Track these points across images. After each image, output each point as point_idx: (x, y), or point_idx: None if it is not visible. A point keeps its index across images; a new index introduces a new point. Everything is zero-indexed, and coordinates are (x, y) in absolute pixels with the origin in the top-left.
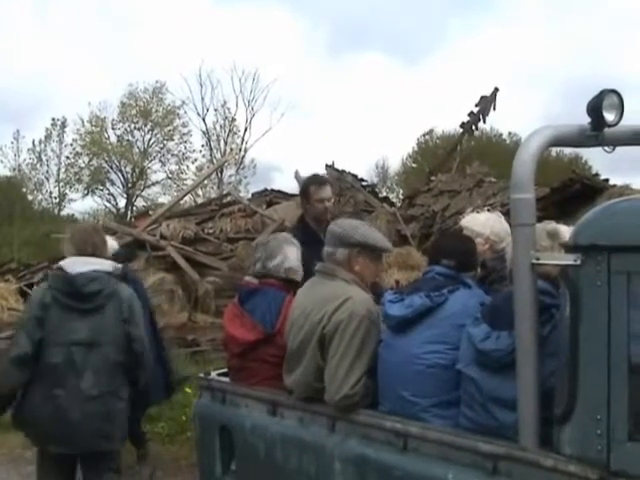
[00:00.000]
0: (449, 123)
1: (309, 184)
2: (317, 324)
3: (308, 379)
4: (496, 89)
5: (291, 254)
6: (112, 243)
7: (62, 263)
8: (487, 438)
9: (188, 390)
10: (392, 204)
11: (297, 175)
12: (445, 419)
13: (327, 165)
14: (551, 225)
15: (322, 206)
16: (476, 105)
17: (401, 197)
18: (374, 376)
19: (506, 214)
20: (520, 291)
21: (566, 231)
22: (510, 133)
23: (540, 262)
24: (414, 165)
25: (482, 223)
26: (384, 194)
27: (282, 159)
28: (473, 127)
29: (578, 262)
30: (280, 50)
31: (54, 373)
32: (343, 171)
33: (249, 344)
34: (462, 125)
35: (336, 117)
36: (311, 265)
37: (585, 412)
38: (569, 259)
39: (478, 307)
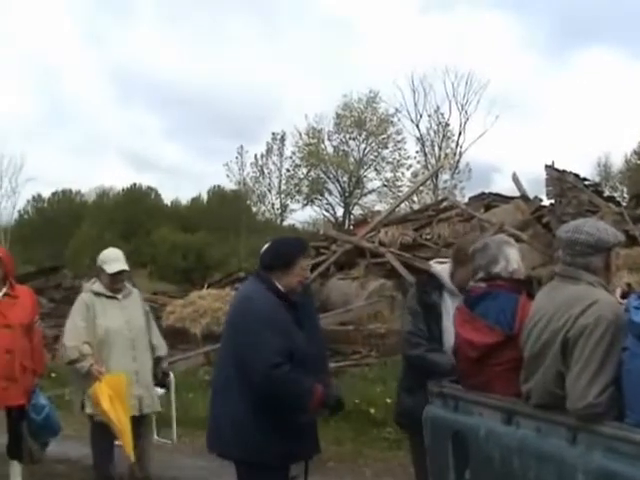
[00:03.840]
0: None
1: None
2: (560, 328)
3: (548, 385)
4: None
5: (512, 256)
6: None
7: None
8: None
9: None
10: (618, 203)
11: (515, 177)
12: None
13: (547, 165)
14: None
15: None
16: None
17: (626, 196)
18: (618, 386)
19: None
20: None
21: None
22: None
23: None
24: (639, 162)
25: None
26: (607, 193)
27: (501, 160)
28: None
29: None
30: (493, 51)
31: None
32: (564, 171)
33: (488, 347)
34: None
35: (555, 115)
36: None
37: None
38: None
39: None
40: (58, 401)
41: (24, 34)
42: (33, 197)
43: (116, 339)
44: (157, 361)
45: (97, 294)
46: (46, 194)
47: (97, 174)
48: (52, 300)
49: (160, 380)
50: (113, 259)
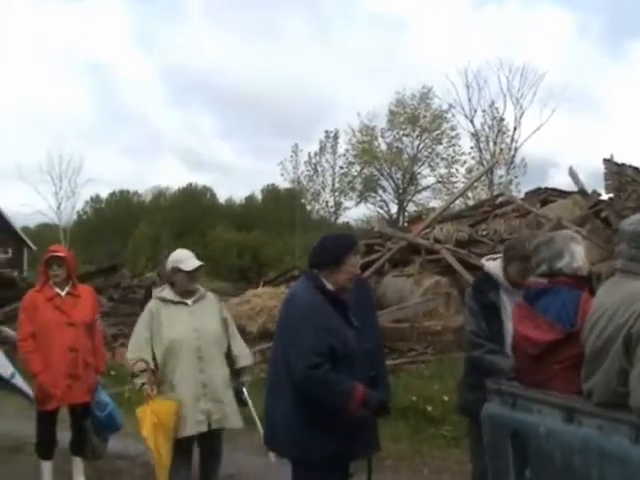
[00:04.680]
0: None
1: None
2: (623, 324)
3: (610, 383)
4: None
5: (578, 252)
6: None
7: None
8: None
9: None
10: None
11: (571, 171)
12: None
13: (605, 159)
14: None
15: None
16: None
17: None
18: None
19: None
20: None
21: None
22: None
23: None
24: None
25: None
26: None
27: (558, 154)
28: None
29: None
30: (548, 43)
31: None
32: (623, 164)
33: (549, 345)
34: None
35: (613, 107)
36: None
37: None
38: None
39: None
40: (118, 398)
41: (80, 38)
42: (91, 198)
43: (181, 349)
44: (238, 373)
45: (164, 301)
46: (104, 195)
47: (153, 174)
48: (111, 299)
49: (237, 395)
50: (187, 257)
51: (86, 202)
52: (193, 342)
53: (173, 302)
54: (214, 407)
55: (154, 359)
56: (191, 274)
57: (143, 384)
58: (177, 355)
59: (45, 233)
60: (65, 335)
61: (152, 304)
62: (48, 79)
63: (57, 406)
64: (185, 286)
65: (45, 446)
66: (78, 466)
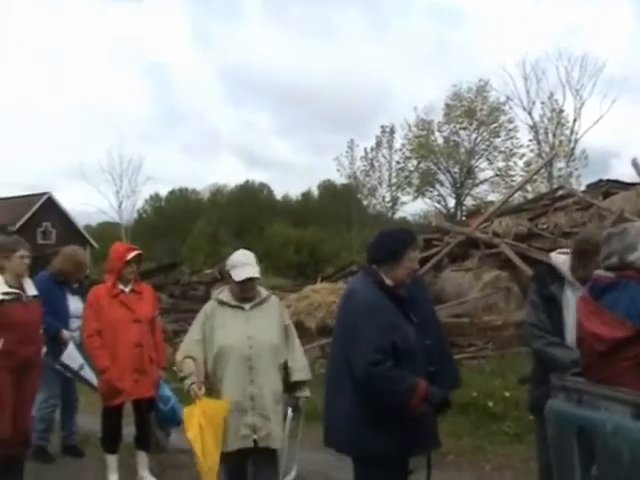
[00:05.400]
0: None
1: None
2: None
3: None
4: None
5: None
6: None
7: None
8: None
9: None
10: None
11: (635, 162)
12: None
13: None
14: None
15: None
16: None
17: None
18: None
19: None
20: None
21: None
22: None
23: None
24: None
25: None
26: None
27: (619, 145)
28: None
29: None
30: (608, 32)
31: None
32: None
33: (618, 342)
34: None
35: None
36: None
37: None
38: None
39: None
40: (179, 393)
41: (139, 38)
42: (151, 196)
43: (230, 357)
44: (293, 387)
45: (221, 303)
46: (163, 193)
47: (211, 172)
48: (171, 296)
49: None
50: (243, 263)
51: (146, 200)
52: (244, 350)
53: (230, 305)
54: (261, 422)
55: (205, 364)
56: (243, 284)
57: (192, 384)
58: (226, 362)
59: (106, 231)
60: (131, 331)
61: (208, 305)
62: (108, 79)
63: (124, 401)
64: (237, 294)
65: (111, 440)
66: (142, 460)
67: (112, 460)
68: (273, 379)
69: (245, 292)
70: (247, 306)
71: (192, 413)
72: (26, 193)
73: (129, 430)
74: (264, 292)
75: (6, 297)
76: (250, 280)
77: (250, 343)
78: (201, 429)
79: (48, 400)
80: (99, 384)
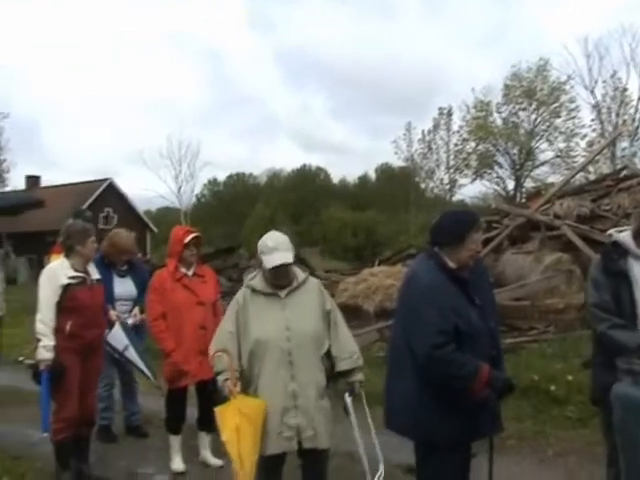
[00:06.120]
0: None
1: None
2: None
3: None
4: None
5: None
6: None
7: None
8: None
9: None
10: None
11: None
12: None
13: None
14: None
15: None
16: None
17: None
18: None
19: None
20: None
21: None
22: None
23: None
24: None
25: None
26: None
27: None
28: None
29: None
30: None
31: None
32: None
33: None
34: None
35: None
36: None
37: None
38: None
39: None
40: None
41: (194, 23)
42: (209, 181)
43: (267, 351)
44: (344, 373)
45: (254, 291)
46: (221, 177)
47: (268, 156)
48: (230, 279)
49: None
50: (271, 248)
51: (204, 185)
52: (282, 344)
53: (263, 293)
54: (306, 422)
55: (240, 358)
56: (276, 271)
57: (226, 380)
58: (262, 358)
59: (166, 216)
60: (195, 314)
61: (240, 293)
62: (167, 66)
63: (188, 383)
64: (271, 281)
65: (174, 422)
66: (205, 441)
67: (175, 441)
68: (316, 373)
69: (279, 279)
70: (282, 293)
71: (226, 412)
72: (89, 179)
73: (191, 412)
74: (301, 275)
75: (72, 281)
76: (282, 266)
77: (288, 335)
78: (237, 430)
79: (102, 380)
80: (164, 368)
